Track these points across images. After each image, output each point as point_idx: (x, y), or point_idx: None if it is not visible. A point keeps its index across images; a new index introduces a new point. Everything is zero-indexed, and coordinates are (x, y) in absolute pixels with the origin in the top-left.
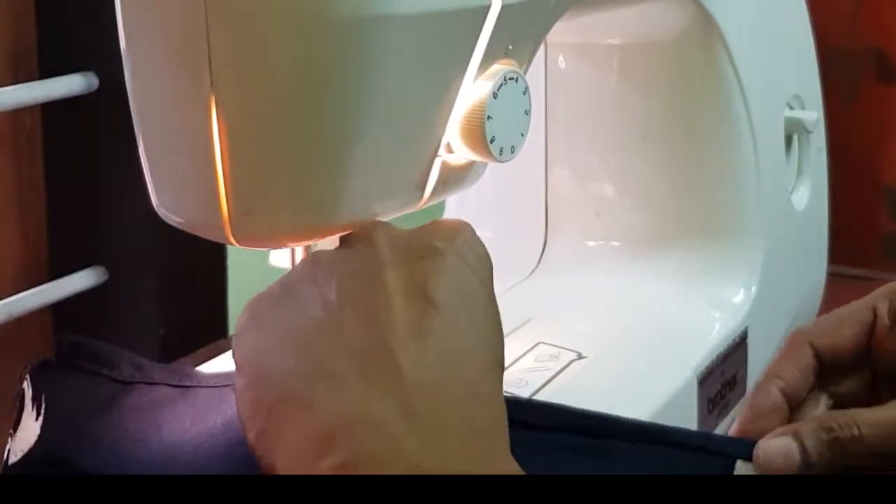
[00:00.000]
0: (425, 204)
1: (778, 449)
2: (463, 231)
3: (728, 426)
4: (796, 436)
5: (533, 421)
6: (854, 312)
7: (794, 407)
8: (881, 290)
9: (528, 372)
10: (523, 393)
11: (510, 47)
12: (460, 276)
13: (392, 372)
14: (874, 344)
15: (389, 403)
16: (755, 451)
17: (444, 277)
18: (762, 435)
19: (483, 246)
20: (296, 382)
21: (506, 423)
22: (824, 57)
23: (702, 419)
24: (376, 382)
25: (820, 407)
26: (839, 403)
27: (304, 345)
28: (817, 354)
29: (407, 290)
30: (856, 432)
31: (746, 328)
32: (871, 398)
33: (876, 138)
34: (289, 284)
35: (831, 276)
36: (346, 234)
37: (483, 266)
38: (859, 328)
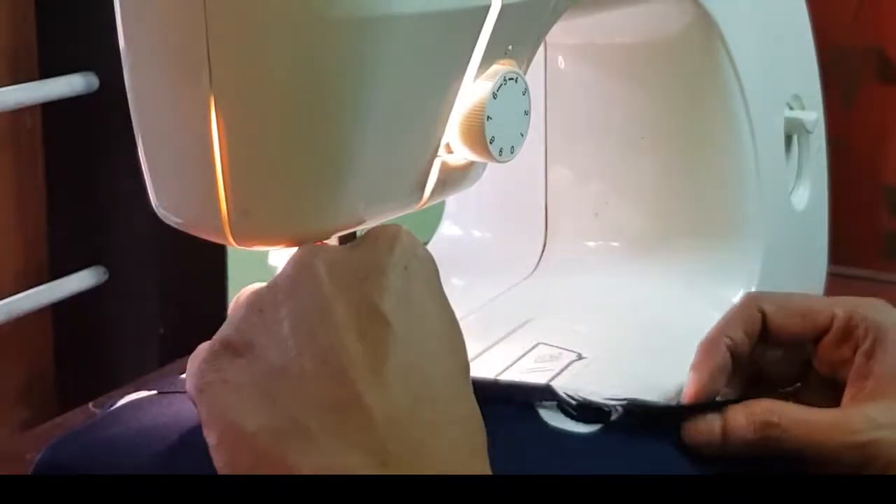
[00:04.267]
0: (425, 204)
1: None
2: (399, 238)
3: None
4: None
5: None
6: (812, 311)
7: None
8: (844, 302)
9: (527, 372)
10: None
11: (510, 48)
12: (406, 288)
13: (362, 416)
14: (819, 349)
15: (365, 449)
16: (686, 427)
17: (390, 294)
18: (712, 394)
19: (421, 246)
20: (269, 441)
21: (481, 425)
22: (824, 57)
23: None
24: (349, 431)
25: (745, 369)
26: (761, 373)
27: (271, 399)
28: (764, 325)
29: (358, 320)
30: (778, 428)
31: None
32: (795, 380)
33: (876, 138)
34: (241, 331)
35: (831, 276)
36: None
37: (426, 268)
38: (811, 326)
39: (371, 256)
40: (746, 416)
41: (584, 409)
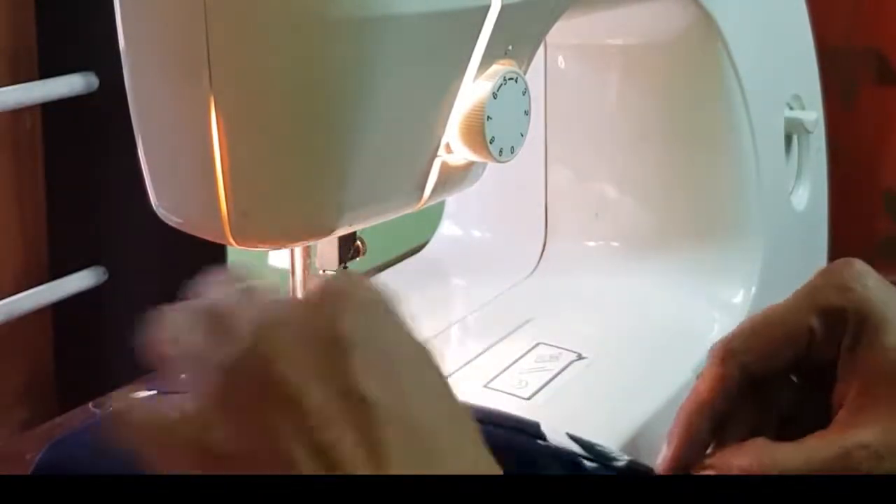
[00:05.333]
0: (425, 204)
1: None
2: (351, 294)
3: None
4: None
5: None
6: (790, 333)
7: (724, 423)
8: (808, 304)
9: (528, 373)
10: (523, 393)
11: (510, 48)
12: (377, 355)
13: None
14: (805, 364)
15: None
16: None
17: (364, 370)
18: (688, 468)
19: (371, 289)
20: None
21: (492, 463)
22: (824, 57)
23: None
24: None
25: (750, 421)
26: (767, 407)
27: None
28: (748, 373)
29: (343, 415)
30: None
31: None
32: (798, 398)
33: (875, 140)
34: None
35: None
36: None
37: (389, 319)
38: (797, 351)
39: (329, 327)
40: (734, 462)
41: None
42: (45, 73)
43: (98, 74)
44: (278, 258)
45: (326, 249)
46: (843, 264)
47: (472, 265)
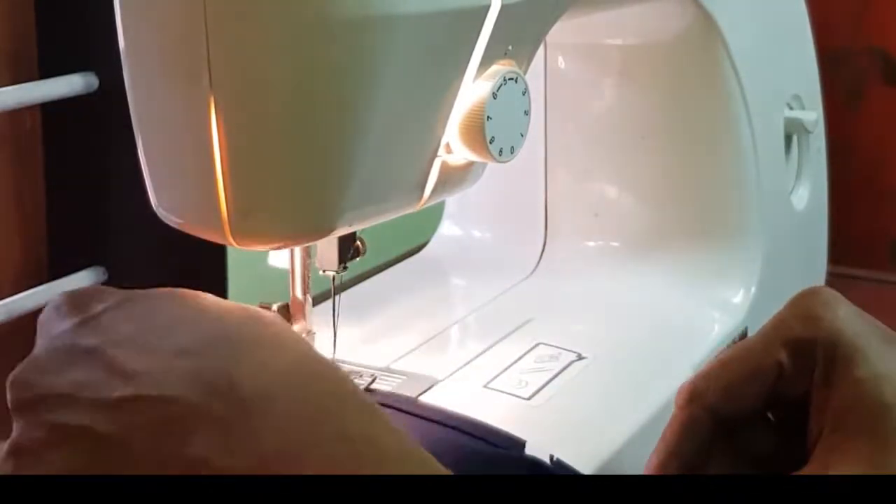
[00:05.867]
0: (424, 204)
1: None
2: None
3: None
4: None
5: None
6: (756, 369)
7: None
8: (774, 338)
9: (527, 373)
10: (523, 393)
11: (510, 48)
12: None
13: None
14: (775, 400)
15: None
16: None
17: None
18: None
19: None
20: None
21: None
22: (828, 57)
23: None
24: None
25: (717, 468)
26: (744, 451)
27: None
28: (716, 418)
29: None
30: None
31: (746, 328)
32: (776, 439)
33: (881, 140)
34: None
35: (837, 277)
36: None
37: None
38: (765, 387)
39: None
40: None
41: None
42: (45, 73)
43: (98, 74)
44: (278, 258)
45: (326, 249)
46: (810, 293)
47: (472, 265)
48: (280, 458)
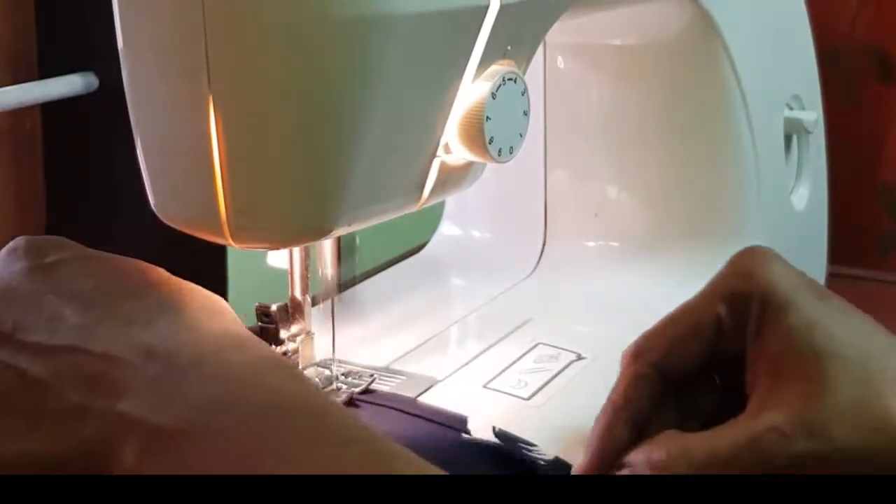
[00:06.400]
0: (424, 204)
1: None
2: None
3: None
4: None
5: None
6: (696, 325)
7: (645, 421)
8: (712, 294)
9: (527, 373)
10: (523, 393)
11: (509, 48)
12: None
13: None
14: (720, 349)
15: None
16: None
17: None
18: (609, 469)
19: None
20: None
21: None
22: (824, 56)
23: None
24: None
25: (672, 418)
26: (690, 411)
27: None
28: (661, 376)
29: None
30: (685, 468)
31: None
32: (721, 400)
33: (876, 137)
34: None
35: (831, 276)
36: None
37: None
38: (706, 342)
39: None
40: (644, 456)
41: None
42: (45, 73)
43: (98, 74)
44: (278, 258)
45: (326, 250)
46: (747, 251)
47: (472, 265)
48: (208, 412)
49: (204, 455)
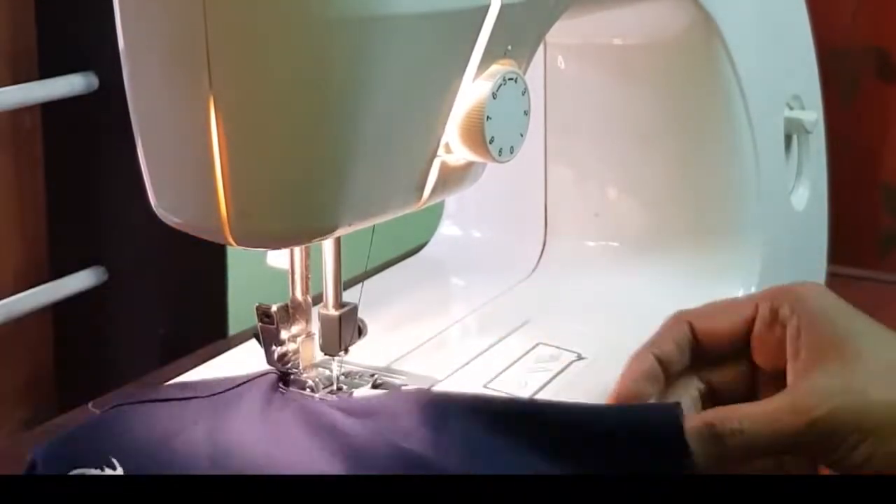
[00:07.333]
0: (424, 204)
1: None
2: None
3: None
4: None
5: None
6: (736, 306)
7: (668, 379)
8: (765, 292)
9: (527, 373)
10: (523, 394)
11: (509, 47)
12: None
13: None
14: (753, 341)
15: None
16: None
17: None
18: (637, 399)
19: None
20: None
21: None
22: (824, 56)
23: None
24: None
25: (691, 388)
26: (712, 391)
27: None
28: (695, 334)
29: None
30: (735, 426)
31: None
32: (750, 391)
33: (876, 137)
34: None
35: (831, 276)
36: None
37: None
38: (738, 320)
39: None
40: (697, 422)
41: None
42: (45, 73)
43: (98, 74)
44: (278, 258)
45: (325, 250)
46: (801, 285)
47: (472, 265)
48: None
49: None
